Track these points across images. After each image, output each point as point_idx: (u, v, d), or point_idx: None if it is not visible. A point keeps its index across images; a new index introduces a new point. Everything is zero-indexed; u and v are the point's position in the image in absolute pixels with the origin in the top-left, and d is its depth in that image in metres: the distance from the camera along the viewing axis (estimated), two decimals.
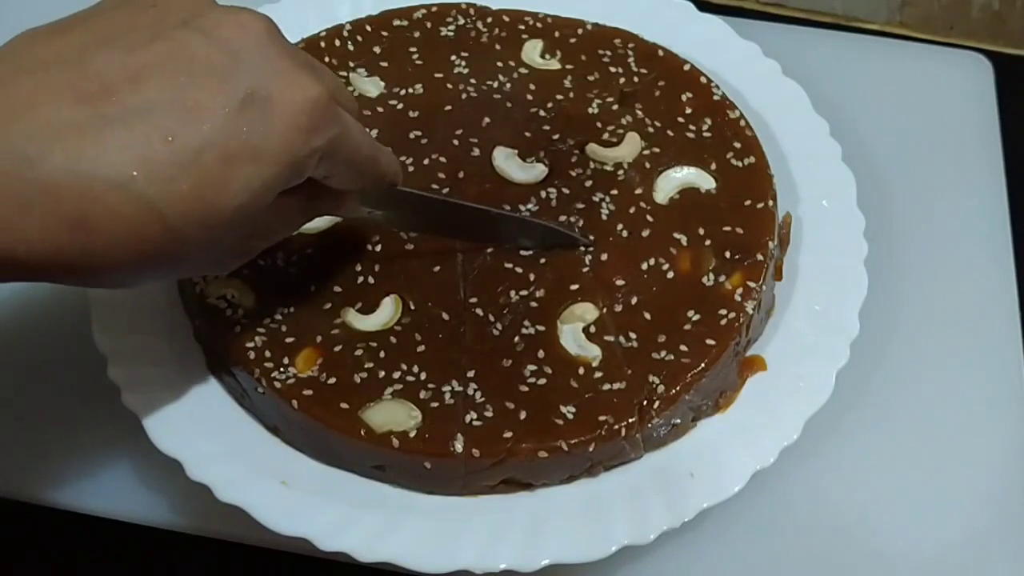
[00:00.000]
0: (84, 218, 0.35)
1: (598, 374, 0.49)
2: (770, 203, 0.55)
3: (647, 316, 0.51)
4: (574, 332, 0.51)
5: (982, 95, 0.69)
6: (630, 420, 0.48)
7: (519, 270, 0.52)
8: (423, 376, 0.49)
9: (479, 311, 0.51)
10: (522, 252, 0.53)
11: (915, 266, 0.61)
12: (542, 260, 0.53)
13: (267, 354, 0.49)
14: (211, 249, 0.39)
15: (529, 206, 0.55)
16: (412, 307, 0.51)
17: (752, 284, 0.52)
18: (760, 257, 0.53)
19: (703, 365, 0.49)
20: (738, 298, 0.51)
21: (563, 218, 0.54)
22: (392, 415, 0.48)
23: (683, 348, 0.50)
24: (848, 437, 0.54)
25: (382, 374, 0.49)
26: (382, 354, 0.50)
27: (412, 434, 0.47)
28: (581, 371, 0.49)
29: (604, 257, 0.53)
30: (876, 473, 0.53)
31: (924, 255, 0.61)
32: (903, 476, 0.53)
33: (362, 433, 0.47)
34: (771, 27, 0.73)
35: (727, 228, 0.54)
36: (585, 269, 0.53)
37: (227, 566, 0.53)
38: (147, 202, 0.35)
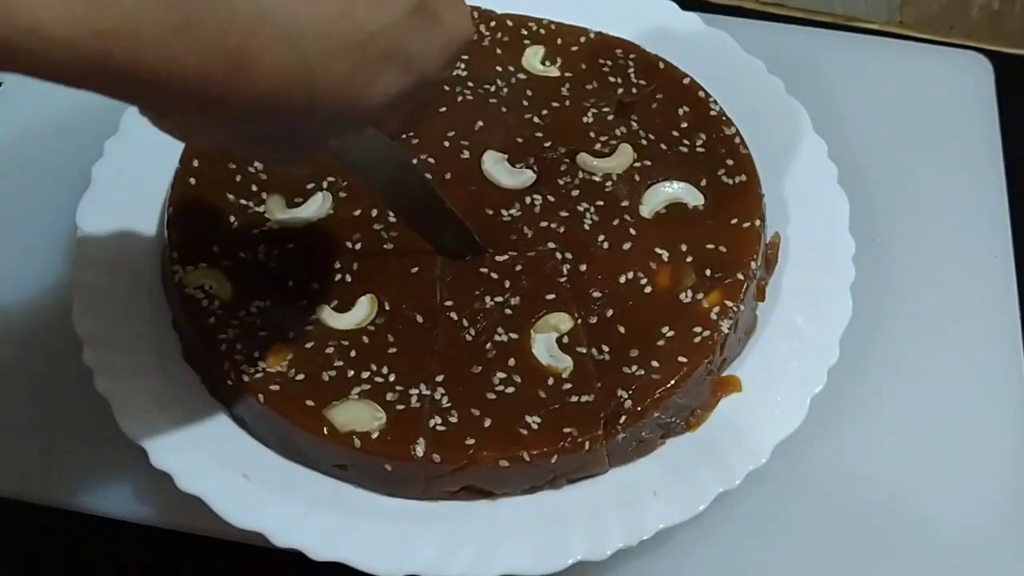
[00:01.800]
0: (243, 57, 0.32)
1: (567, 385, 0.49)
2: (757, 223, 0.54)
3: (621, 329, 0.51)
4: (547, 342, 0.50)
5: (982, 95, 0.68)
6: (595, 433, 0.47)
7: (495, 276, 0.52)
8: (392, 378, 0.49)
9: (453, 315, 0.51)
10: (497, 258, 0.53)
11: (915, 266, 0.60)
12: (518, 267, 0.53)
13: (239, 346, 0.50)
14: (316, 135, 0.38)
15: (512, 211, 0.54)
16: (387, 307, 0.51)
17: (729, 303, 0.51)
18: (740, 276, 0.52)
19: (673, 382, 0.49)
20: (714, 316, 0.51)
21: (544, 224, 0.54)
22: (356, 415, 0.48)
23: (654, 364, 0.49)
24: (848, 436, 0.53)
25: (351, 373, 0.49)
26: (353, 353, 0.50)
27: (375, 435, 0.47)
28: (550, 381, 0.49)
29: (583, 268, 0.53)
30: (875, 473, 0.53)
31: (925, 255, 0.60)
32: (902, 476, 0.53)
33: (325, 432, 0.47)
34: (771, 27, 0.72)
35: (710, 246, 0.53)
36: (563, 279, 0.52)
37: (218, 565, 0.53)
38: (306, 66, 0.34)
